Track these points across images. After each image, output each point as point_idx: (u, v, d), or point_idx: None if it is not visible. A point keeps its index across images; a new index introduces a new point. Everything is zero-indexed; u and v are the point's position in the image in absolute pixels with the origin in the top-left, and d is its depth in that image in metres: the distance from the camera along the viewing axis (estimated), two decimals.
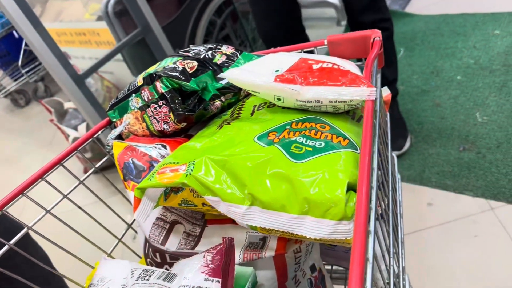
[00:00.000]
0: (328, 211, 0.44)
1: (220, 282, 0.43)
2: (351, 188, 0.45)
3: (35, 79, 3.15)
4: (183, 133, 0.69)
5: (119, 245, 0.69)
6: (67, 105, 1.96)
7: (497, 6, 1.96)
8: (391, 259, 0.53)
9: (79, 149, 0.63)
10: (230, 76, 0.56)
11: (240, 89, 0.69)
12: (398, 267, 0.63)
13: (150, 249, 0.56)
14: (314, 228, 0.45)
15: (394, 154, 1.48)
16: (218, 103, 0.66)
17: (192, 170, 0.49)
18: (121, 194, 0.73)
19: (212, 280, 0.43)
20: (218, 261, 0.44)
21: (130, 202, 0.69)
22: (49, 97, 2.97)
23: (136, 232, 0.72)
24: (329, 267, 0.82)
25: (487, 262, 1.13)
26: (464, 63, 1.74)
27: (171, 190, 0.55)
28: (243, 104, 0.64)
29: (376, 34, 0.65)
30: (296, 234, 0.46)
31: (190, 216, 0.58)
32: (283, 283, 0.56)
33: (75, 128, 1.82)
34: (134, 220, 0.72)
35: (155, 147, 0.62)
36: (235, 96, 0.69)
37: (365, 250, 0.33)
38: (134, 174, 0.59)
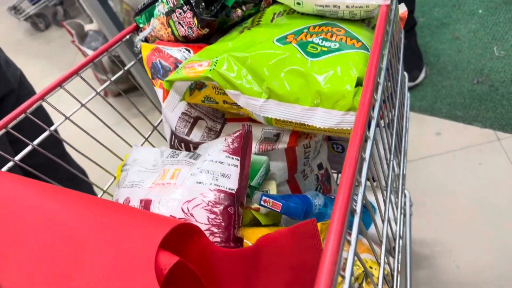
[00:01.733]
0: (337, 102, 0.49)
1: (239, 160, 0.49)
2: (360, 84, 0.50)
3: (54, 3, 3.15)
4: (205, 40, 0.72)
5: None
6: (88, 27, 1.98)
7: None
8: (392, 155, 0.58)
9: (102, 55, 0.67)
10: None
11: (261, 1, 0.71)
12: (400, 170, 0.69)
13: (176, 140, 0.62)
14: (324, 118, 0.50)
15: (409, 84, 1.51)
16: (239, 11, 0.70)
17: (215, 65, 0.54)
18: (142, 116, 0.76)
19: (232, 158, 0.49)
20: (238, 143, 0.50)
21: (152, 124, 0.74)
22: None
23: (161, 135, 0.78)
24: (335, 175, 0.89)
25: (488, 187, 1.19)
26: None
27: (196, 87, 0.60)
28: (264, 13, 0.67)
29: None
30: (308, 125, 0.52)
31: (211, 114, 0.64)
32: (293, 175, 0.63)
33: (95, 49, 1.86)
34: (160, 121, 0.78)
35: (180, 50, 0.67)
36: (256, 7, 0.72)
37: (361, 142, 0.37)
38: (162, 73, 0.64)
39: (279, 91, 0.51)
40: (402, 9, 0.75)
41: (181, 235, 0.40)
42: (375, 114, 0.44)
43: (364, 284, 0.55)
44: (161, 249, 0.36)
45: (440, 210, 1.19)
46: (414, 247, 1.15)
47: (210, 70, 0.53)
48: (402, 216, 0.73)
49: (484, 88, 1.41)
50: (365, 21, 0.61)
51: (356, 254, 0.32)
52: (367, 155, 0.39)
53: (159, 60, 0.65)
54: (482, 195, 1.18)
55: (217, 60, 0.54)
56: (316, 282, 0.25)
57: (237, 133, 0.51)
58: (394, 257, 0.61)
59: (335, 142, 0.78)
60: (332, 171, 0.84)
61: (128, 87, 2.03)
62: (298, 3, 0.58)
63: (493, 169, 1.23)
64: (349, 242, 0.32)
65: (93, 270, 0.35)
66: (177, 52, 0.67)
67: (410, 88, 1.54)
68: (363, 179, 0.37)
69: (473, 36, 1.59)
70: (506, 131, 1.28)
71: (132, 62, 0.74)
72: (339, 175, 0.88)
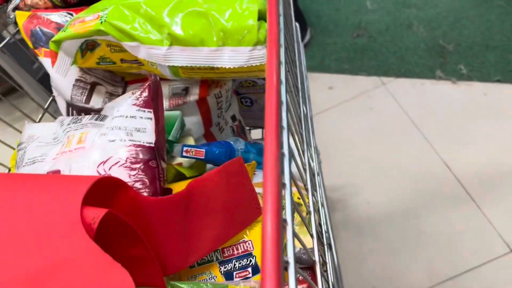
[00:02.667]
0: (243, 38, 0.48)
1: (152, 112, 0.46)
2: (262, 18, 0.49)
3: None
4: (87, 3, 0.66)
5: None
6: None
7: None
8: (300, 98, 0.60)
9: None
10: None
11: None
12: (306, 111, 0.71)
13: (74, 111, 0.57)
14: (232, 58, 0.49)
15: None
16: None
17: (106, 17, 0.49)
18: (27, 118, 0.67)
19: (144, 111, 0.46)
20: (147, 94, 0.47)
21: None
22: None
23: (54, 117, 0.70)
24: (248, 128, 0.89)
25: (382, 128, 1.30)
26: None
27: (87, 48, 0.54)
28: None
29: None
30: (217, 67, 0.50)
31: (110, 78, 0.59)
32: (208, 128, 0.61)
33: None
34: (50, 103, 0.70)
35: (61, 15, 0.60)
36: None
37: (278, 68, 0.36)
38: (44, 40, 0.57)
39: (182, 35, 0.49)
40: None
41: (105, 191, 0.36)
42: (281, 41, 0.44)
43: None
44: (86, 206, 0.32)
45: (344, 157, 1.27)
46: (328, 193, 1.21)
47: (101, 22, 0.49)
48: (315, 155, 0.76)
49: (364, 40, 1.52)
50: None
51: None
52: (283, 97, 0.38)
53: (39, 27, 0.58)
54: (378, 134, 1.28)
55: (108, 10, 0.50)
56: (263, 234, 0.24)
57: (145, 85, 0.48)
58: (316, 191, 0.63)
59: (243, 97, 0.78)
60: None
61: (4, 90, 1.81)
62: None
63: (383, 111, 1.34)
64: (284, 185, 0.32)
65: (18, 244, 0.30)
66: (58, 17, 0.60)
67: None
68: (284, 123, 0.37)
69: None
70: (389, 75, 1.41)
71: (7, 39, 0.65)
72: (251, 130, 0.89)
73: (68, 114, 0.59)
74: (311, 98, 1.44)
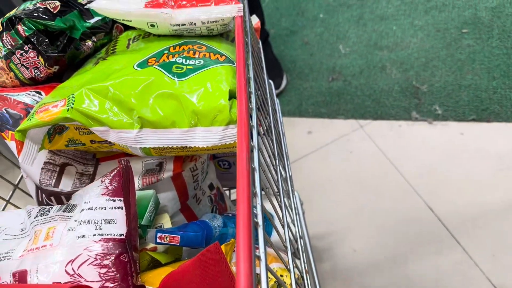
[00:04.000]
0: (215, 118, 0.47)
1: (123, 200, 0.45)
2: (233, 96, 0.49)
3: None
4: (57, 79, 0.65)
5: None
6: None
7: None
8: (277, 160, 0.59)
9: None
10: (99, 6, 0.54)
11: (112, 28, 0.67)
12: (286, 173, 0.70)
13: (43, 195, 0.54)
14: (205, 138, 0.48)
15: (274, 91, 1.58)
16: (90, 43, 0.64)
17: (73, 103, 0.48)
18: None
19: (114, 200, 0.44)
20: (117, 182, 0.45)
21: (11, 183, 0.65)
22: None
23: (25, 193, 0.68)
24: (228, 192, 0.88)
25: (362, 171, 1.30)
26: (324, 1, 1.88)
27: (55, 131, 0.53)
28: (117, 40, 0.63)
29: None
30: (190, 147, 0.49)
31: (80, 157, 0.57)
32: (185, 202, 0.59)
33: None
34: (21, 179, 0.68)
35: (29, 94, 0.59)
36: (107, 36, 0.67)
37: (249, 153, 0.36)
38: (11, 123, 0.56)
39: (152, 118, 0.48)
40: (255, 20, 0.78)
41: None
42: (254, 122, 0.43)
43: None
44: None
45: (327, 202, 1.26)
46: (313, 242, 1.19)
47: (68, 109, 0.47)
48: (297, 216, 0.74)
49: (339, 84, 1.54)
50: (223, 35, 0.61)
51: (267, 268, 0.31)
52: (256, 164, 0.38)
53: (5, 110, 0.57)
54: (359, 178, 1.28)
55: (74, 96, 0.48)
56: None
57: (115, 171, 0.46)
58: (299, 259, 0.61)
59: (220, 160, 0.77)
60: (224, 188, 0.83)
61: None
62: (153, 25, 0.55)
63: (362, 154, 1.34)
64: (259, 258, 0.31)
65: None
66: (26, 96, 0.59)
67: (276, 95, 1.61)
68: (257, 189, 0.36)
69: (320, 38, 1.74)
70: (366, 118, 1.42)
71: None
72: (231, 190, 0.87)
73: (38, 197, 0.56)
74: (291, 142, 1.44)
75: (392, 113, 1.39)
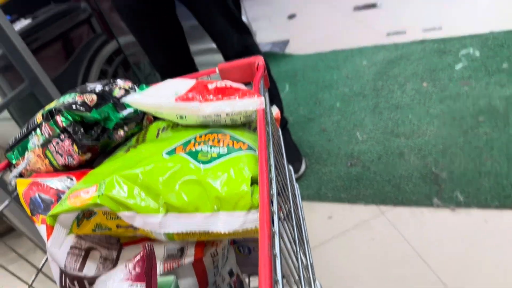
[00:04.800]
0: (237, 204, 0.49)
1: (145, 285, 0.45)
2: (255, 182, 0.51)
3: None
4: (88, 165, 0.69)
5: None
6: None
7: (362, 41, 2.27)
8: (297, 246, 0.59)
9: None
10: (133, 100, 0.59)
11: (143, 118, 0.72)
12: (306, 260, 0.70)
13: (67, 279, 0.55)
14: (227, 222, 0.49)
15: (294, 176, 1.60)
16: (121, 132, 0.69)
17: (104, 190, 0.51)
18: (23, 260, 0.67)
19: (137, 285, 0.45)
20: (140, 267, 0.46)
21: (35, 266, 0.66)
22: None
23: (48, 277, 0.68)
24: (247, 279, 0.86)
25: (386, 259, 1.26)
26: (340, 91, 1.97)
27: (84, 216, 0.55)
28: (147, 130, 0.67)
29: (259, 60, 0.74)
30: (212, 232, 0.50)
31: (104, 241, 0.59)
32: None
33: None
34: (45, 262, 0.69)
35: (61, 180, 0.62)
36: (138, 125, 0.72)
37: (271, 239, 0.37)
38: (43, 208, 0.58)
39: (177, 203, 0.50)
40: (275, 110, 0.82)
41: None
42: (275, 208, 0.44)
43: None
44: None
45: None
46: None
47: (99, 195, 0.50)
48: None
49: (358, 169, 1.56)
50: (246, 125, 0.65)
51: None
52: (277, 251, 0.38)
53: (38, 194, 0.60)
54: (381, 266, 1.24)
55: (105, 183, 0.51)
56: None
57: (138, 257, 0.47)
58: None
59: (240, 245, 0.77)
60: (243, 274, 0.82)
61: (6, 229, 1.80)
62: (181, 117, 0.60)
63: (385, 241, 1.31)
64: None
65: None
66: (58, 182, 0.62)
67: (296, 180, 1.63)
68: (279, 277, 0.36)
69: (337, 126, 1.79)
70: (387, 203, 1.41)
71: (5, 203, 0.66)
72: (250, 277, 0.86)
73: (61, 282, 0.57)
74: (311, 227, 1.43)
75: (413, 199, 1.38)
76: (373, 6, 2.54)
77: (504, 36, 1.90)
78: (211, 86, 0.62)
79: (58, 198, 0.60)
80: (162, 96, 0.60)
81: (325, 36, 2.46)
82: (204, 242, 0.57)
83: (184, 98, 0.59)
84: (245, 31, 1.43)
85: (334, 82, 2.06)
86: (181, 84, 0.64)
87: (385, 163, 1.54)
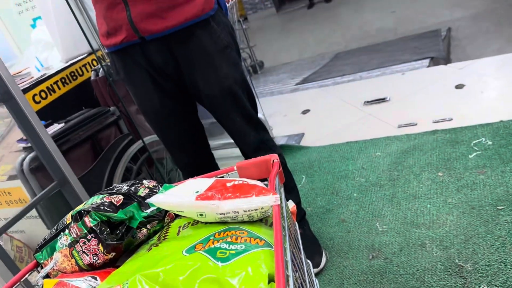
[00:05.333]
0: None
1: None
2: (272, 280, 0.53)
3: None
4: (111, 264, 0.72)
5: None
6: None
7: (375, 133, 2.34)
8: None
9: None
10: (157, 200, 0.64)
11: (164, 216, 0.76)
12: None
13: None
14: None
15: (314, 271, 1.56)
16: (144, 230, 0.72)
17: None
18: None
19: None
20: None
21: None
22: None
23: None
24: None
25: None
26: (357, 182, 1.99)
27: None
28: (169, 228, 0.71)
29: (274, 157, 0.79)
30: None
31: None
32: None
33: None
34: None
35: (86, 280, 0.65)
36: (160, 223, 0.75)
37: None
38: None
39: None
40: (291, 204, 0.85)
41: None
42: None
43: None
44: None
45: None
46: None
47: None
48: None
49: (380, 262, 1.52)
50: (263, 220, 0.68)
51: None
52: None
53: None
54: None
55: (127, 283, 0.53)
56: None
57: None
58: None
59: None
60: None
61: None
62: (201, 215, 0.63)
63: None
64: None
65: None
66: (83, 282, 0.64)
67: (316, 274, 1.59)
68: None
69: (356, 216, 1.79)
70: None
71: None
72: None
73: None
74: None
75: None
76: (383, 100, 2.66)
77: None
78: (229, 184, 0.66)
79: None
80: (184, 195, 0.64)
81: (339, 129, 2.55)
82: None
83: (204, 197, 0.63)
84: (261, 128, 1.51)
85: (350, 173, 2.09)
86: (202, 183, 0.69)
87: (407, 255, 1.50)
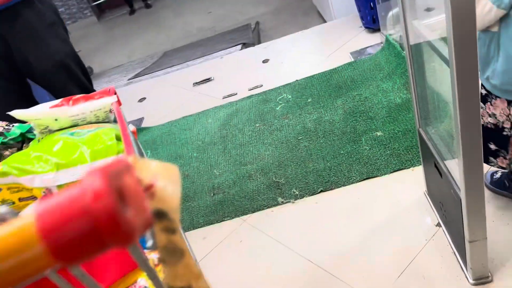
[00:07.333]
0: (108, 153, 0.74)
1: None
2: (118, 138, 0.77)
3: None
4: None
5: None
6: None
7: (205, 106, 2.69)
8: None
9: None
10: (16, 113, 0.82)
11: (22, 145, 0.93)
12: None
13: None
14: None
15: None
16: (7, 152, 0.89)
17: (6, 162, 0.71)
18: None
19: None
20: None
21: None
22: None
23: None
24: None
25: (255, 255, 1.53)
26: (195, 144, 2.31)
27: None
28: (28, 145, 0.89)
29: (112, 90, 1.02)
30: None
31: None
32: None
33: None
34: None
35: None
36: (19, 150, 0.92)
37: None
38: None
39: (63, 163, 0.73)
40: (132, 127, 1.09)
41: None
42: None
43: None
44: None
45: None
46: None
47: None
48: None
49: (219, 196, 1.86)
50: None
51: None
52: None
53: None
54: (254, 262, 1.50)
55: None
56: None
57: None
58: None
59: None
60: None
61: None
62: (56, 120, 0.84)
63: (251, 240, 1.60)
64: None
65: None
66: None
67: None
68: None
69: (197, 170, 2.10)
70: (246, 213, 1.72)
71: None
72: None
73: None
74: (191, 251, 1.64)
75: (264, 204, 1.72)
76: (208, 80, 3.04)
77: (305, 81, 2.51)
78: (75, 97, 0.88)
79: None
80: (39, 107, 0.84)
81: (174, 109, 2.83)
82: None
83: (56, 105, 0.83)
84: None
85: (188, 139, 2.39)
86: (53, 102, 0.89)
87: (239, 185, 1.87)
